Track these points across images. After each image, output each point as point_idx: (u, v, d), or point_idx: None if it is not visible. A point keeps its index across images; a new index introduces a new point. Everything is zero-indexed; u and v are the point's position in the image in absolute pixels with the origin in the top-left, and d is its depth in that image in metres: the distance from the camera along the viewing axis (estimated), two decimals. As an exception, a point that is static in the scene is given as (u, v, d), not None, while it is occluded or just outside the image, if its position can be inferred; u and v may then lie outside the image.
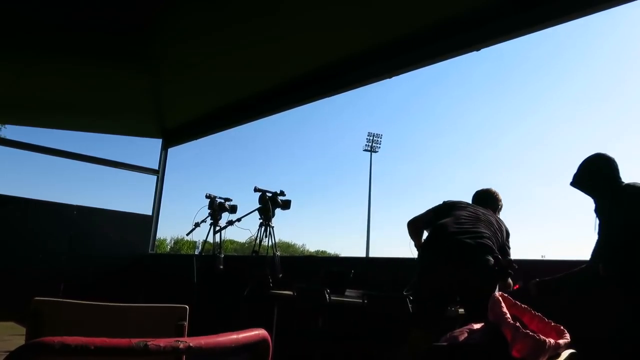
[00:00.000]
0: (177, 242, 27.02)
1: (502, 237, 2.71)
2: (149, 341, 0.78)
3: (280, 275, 4.28)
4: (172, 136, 6.58)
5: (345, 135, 65.53)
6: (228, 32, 3.79)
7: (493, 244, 2.58)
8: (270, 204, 4.41)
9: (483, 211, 2.80)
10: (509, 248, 2.76)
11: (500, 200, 3.06)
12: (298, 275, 4.23)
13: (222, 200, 4.96)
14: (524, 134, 58.89)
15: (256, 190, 4.41)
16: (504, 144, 58.73)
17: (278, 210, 4.48)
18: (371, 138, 39.28)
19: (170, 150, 6.73)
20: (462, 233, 2.60)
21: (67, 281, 5.48)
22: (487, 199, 3.01)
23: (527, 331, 1.84)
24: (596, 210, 2.56)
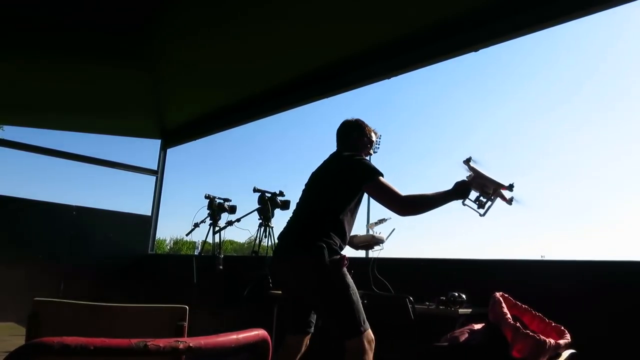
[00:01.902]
0: (177, 243, 27.02)
1: (338, 196, 2.27)
2: (149, 341, 0.78)
3: (280, 276, 4.28)
4: (171, 137, 6.57)
5: (344, 135, 65.30)
6: (228, 33, 3.80)
7: (314, 224, 2.23)
8: (269, 204, 4.41)
9: (323, 170, 2.42)
10: (369, 178, 2.23)
11: (359, 128, 2.52)
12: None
13: (222, 201, 4.96)
14: (524, 133, 58.92)
15: (255, 190, 4.41)
16: (505, 143, 58.76)
17: (277, 211, 4.48)
18: (370, 138, 39.27)
19: (169, 150, 6.72)
20: (287, 228, 2.35)
21: (67, 281, 5.47)
22: (344, 137, 2.54)
23: (528, 331, 1.84)
24: None
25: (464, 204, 2.28)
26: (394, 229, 2.79)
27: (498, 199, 2.25)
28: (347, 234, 2.32)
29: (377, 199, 2.27)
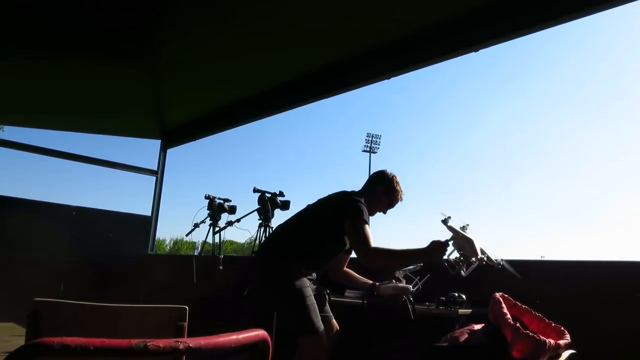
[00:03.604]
0: (177, 243, 27.02)
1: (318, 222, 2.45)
2: (149, 342, 0.78)
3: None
4: (172, 137, 6.57)
5: (344, 135, 65.54)
6: (228, 33, 3.80)
7: (289, 239, 2.46)
8: (269, 204, 4.41)
9: (323, 199, 2.58)
10: (352, 217, 2.34)
11: (386, 182, 2.64)
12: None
13: (222, 201, 4.96)
14: (524, 132, 58.92)
15: (255, 190, 4.41)
16: (505, 143, 58.75)
17: (277, 211, 4.48)
18: (370, 139, 39.33)
19: (169, 150, 6.72)
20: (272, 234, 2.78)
21: (67, 281, 5.47)
22: (367, 183, 2.71)
23: (528, 332, 1.84)
24: None
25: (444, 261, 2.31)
26: (419, 279, 2.78)
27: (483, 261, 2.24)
28: (320, 257, 2.51)
29: (350, 239, 2.40)
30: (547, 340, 1.79)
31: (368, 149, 38.78)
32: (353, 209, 2.36)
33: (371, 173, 2.77)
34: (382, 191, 2.62)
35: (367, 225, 2.32)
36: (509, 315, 1.91)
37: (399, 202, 2.68)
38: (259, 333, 0.99)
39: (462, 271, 2.29)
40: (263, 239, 4.41)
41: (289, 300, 2.34)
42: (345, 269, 2.86)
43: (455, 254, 2.31)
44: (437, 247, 2.28)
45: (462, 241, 2.26)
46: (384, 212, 2.68)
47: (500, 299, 2.01)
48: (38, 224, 5.55)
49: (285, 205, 4.51)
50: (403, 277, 2.82)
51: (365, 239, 2.27)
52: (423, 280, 2.81)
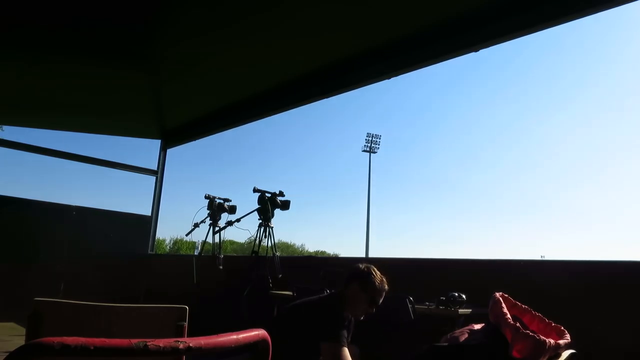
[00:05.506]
0: (176, 243, 27.02)
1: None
2: (149, 341, 0.78)
3: (280, 276, 4.28)
4: (171, 137, 6.58)
5: (344, 136, 65.51)
6: (228, 33, 3.79)
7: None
8: (269, 204, 4.41)
9: (308, 303, 2.44)
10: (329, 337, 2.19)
11: (354, 276, 2.36)
12: (297, 276, 4.23)
13: (222, 201, 4.97)
14: (523, 132, 58.93)
15: (255, 190, 4.42)
16: (504, 142, 58.77)
17: (277, 211, 4.49)
18: (370, 139, 39.32)
19: (169, 150, 6.73)
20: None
21: (67, 281, 5.47)
22: (346, 281, 2.41)
23: (528, 331, 1.84)
24: None
25: None
26: None
27: None
28: None
29: None
30: (547, 340, 1.79)
31: (368, 149, 38.76)
32: (328, 330, 2.19)
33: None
34: (358, 289, 2.33)
35: (344, 349, 2.16)
36: (509, 315, 1.91)
37: (384, 292, 2.35)
38: (259, 333, 0.98)
39: None
40: (263, 238, 4.43)
41: None
42: None
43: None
44: None
45: None
46: (371, 311, 2.38)
47: (500, 298, 2.01)
48: (38, 224, 5.55)
49: (285, 205, 4.51)
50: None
51: None
52: None
